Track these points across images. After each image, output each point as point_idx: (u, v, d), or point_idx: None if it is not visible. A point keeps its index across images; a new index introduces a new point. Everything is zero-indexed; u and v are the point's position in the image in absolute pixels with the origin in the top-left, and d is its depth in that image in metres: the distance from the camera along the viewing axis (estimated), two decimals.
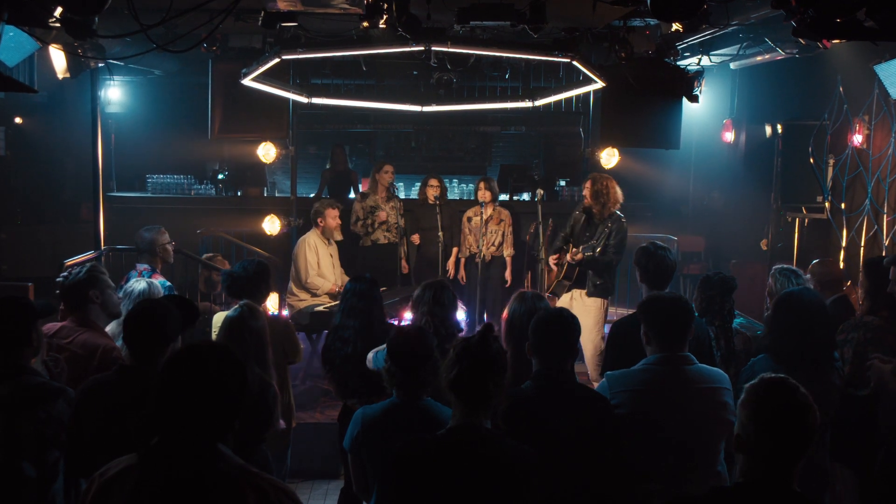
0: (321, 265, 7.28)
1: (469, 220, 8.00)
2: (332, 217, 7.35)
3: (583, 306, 6.44)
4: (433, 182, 8.06)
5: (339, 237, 7.49)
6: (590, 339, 6.39)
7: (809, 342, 3.72)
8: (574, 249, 6.41)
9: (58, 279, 4.09)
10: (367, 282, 4.55)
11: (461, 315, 8.04)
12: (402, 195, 9.26)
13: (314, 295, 7.27)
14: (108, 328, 4.24)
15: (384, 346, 3.48)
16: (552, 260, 6.75)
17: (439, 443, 2.65)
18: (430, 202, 7.89)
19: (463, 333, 5.13)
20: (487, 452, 2.61)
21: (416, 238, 8.03)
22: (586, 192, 6.61)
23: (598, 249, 6.30)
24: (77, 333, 3.87)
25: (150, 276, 5.38)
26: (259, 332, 3.84)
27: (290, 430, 4.74)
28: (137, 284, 4.53)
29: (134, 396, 2.63)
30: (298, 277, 7.29)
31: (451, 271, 7.97)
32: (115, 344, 4.17)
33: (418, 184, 8.53)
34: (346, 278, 7.40)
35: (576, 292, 6.59)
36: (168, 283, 5.49)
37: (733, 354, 4.44)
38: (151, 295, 4.51)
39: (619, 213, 6.54)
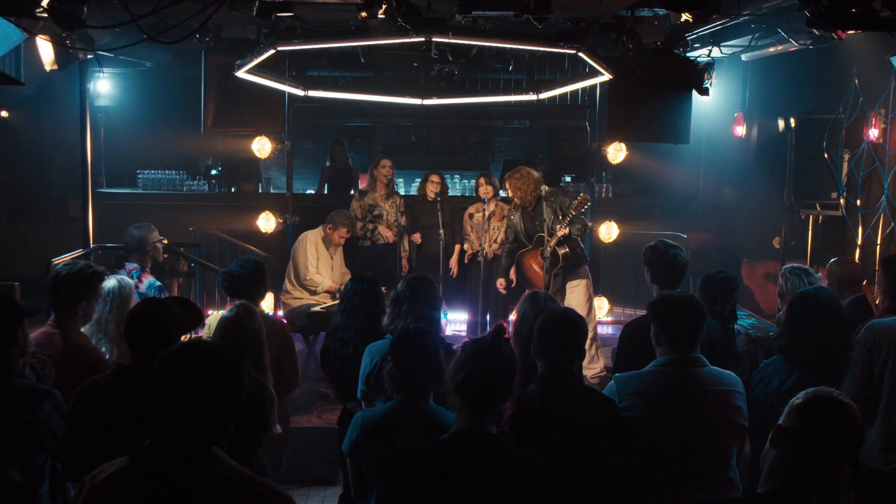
0: (319, 264, 7.31)
1: (471, 216, 8.00)
2: (341, 235, 7.48)
3: (569, 285, 6.95)
4: (434, 178, 8.06)
5: (335, 252, 7.55)
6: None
7: (825, 344, 3.73)
8: (559, 226, 6.79)
9: (59, 268, 4.05)
10: (368, 281, 4.55)
11: (461, 315, 8.11)
12: (401, 191, 9.26)
13: (312, 293, 7.28)
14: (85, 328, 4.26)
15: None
16: (536, 265, 7.06)
17: (442, 448, 2.63)
18: (431, 199, 7.90)
19: (456, 332, 5.17)
20: (492, 459, 2.59)
21: (417, 237, 8.04)
22: (509, 191, 7.14)
23: (572, 210, 6.80)
24: (60, 339, 3.87)
25: (139, 276, 5.39)
26: (255, 333, 3.84)
27: (287, 435, 4.73)
28: (108, 282, 4.52)
29: (131, 397, 2.64)
30: (297, 274, 7.30)
31: (454, 270, 7.97)
32: (97, 347, 4.18)
33: (419, 180, 8.53)
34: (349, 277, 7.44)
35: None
36: (158, 283, 5.50)
37: (735, 356, 4.44)
38: (122, 292, 4.54)
39: (545, 188, 7.07)
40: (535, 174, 7.12)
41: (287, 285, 7.39)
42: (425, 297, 4.08)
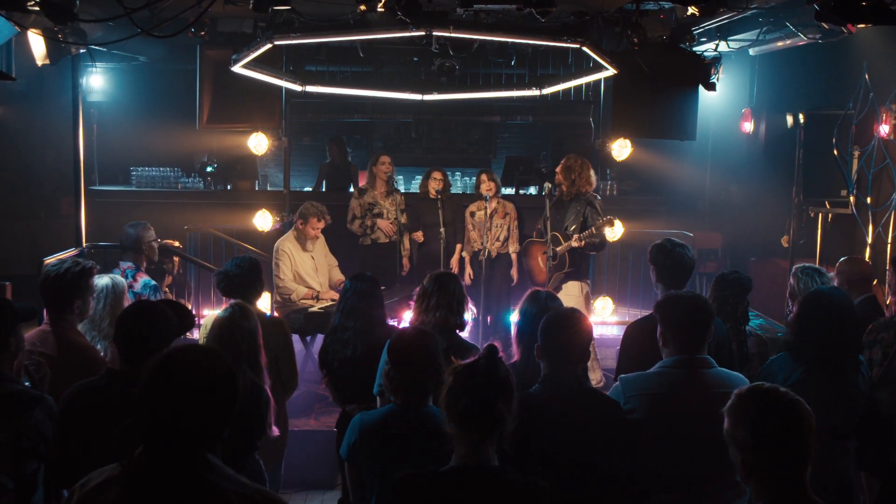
0: (300, 270, 7.15)
1: (472, 214, 7.99)
2: (314, 227, 7.18)
3: (566, 291, 6.89)
4: (436, 175, 8.04)
5: (311, 248, 7.31)
6: None
7: (835, 345, 3.71)
8: (577, 236, 6.80)
9: (48, 268, 4.06)
10: (367, 281, 4.53)
11: (467, 315, 8.09)
12: (401, 189, 9.25)
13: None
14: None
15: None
16: (541, 259, 7.04)
17: (443, 482, 2.57)
18: (433, 196, 7.88)
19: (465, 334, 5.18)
20: (495, 494, 2.54)
21: (419, 236, 8.01)
22: (558, 170, 7.12)
23: (593, 229, 6.76)
24: (56, 337, 3.86)
25: (133, 275, 5.39)
26: (251, 334, 3.83)
27: (286, 439, 4.73)
28: (99, 280, 4.52)
29: (122, 402, 2.64)
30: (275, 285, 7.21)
31: (455, 270, 7.95)
32: (94, 347, 4.18)
33: (419, 177, 8.52)
34: (337, 276, 7.34)
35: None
36: (153, 283, 5.50)
37: (746, 358, 4.43)
38: (115, 291, 4.55)
39: (591, 192, 7.02)
40: (593, 176, 7.14)
41: (276, 297, 7.30)
42: (451, 293, 4.11)
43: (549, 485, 2.60)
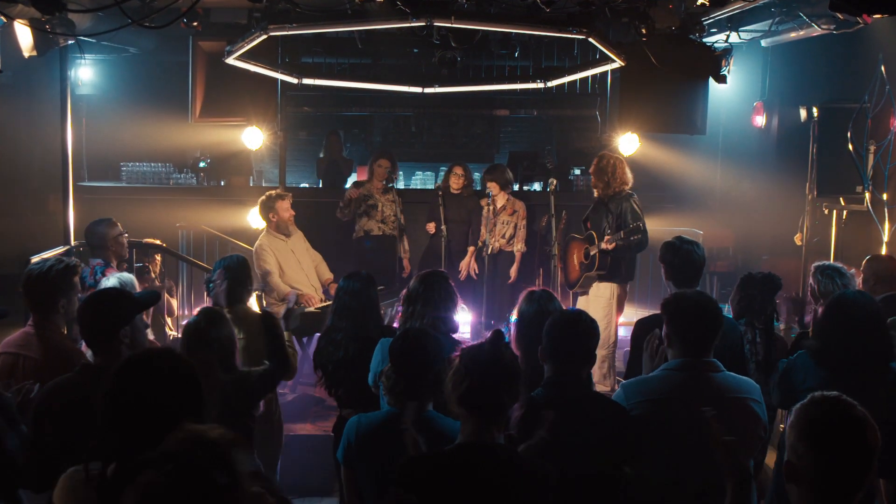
0: (285, 270, 6.96)
1: (481, 209, 7.99)
2: (284, 209, 6.95)
3: (596, 292, 6.78)
4: (457, 170, 8.03)
5: (293, 230, 7.10)
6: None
7: (861, 352, 3.69)
8: (607, 237, 6.55)
9: (31, 267, 4.04)
10: (361, 280, 4.50)
11: (465, 316, 8.09)
12: (401, 185, 9.23)
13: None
14: None
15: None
16: (577, 257, 6.88)
17: (447, 461, 2.61)
18: (455, 192, 7.94)
19: (460, 334, 5.20)
20: (501, 472, 2.58)
21: (431, 227, 7.96)
22: (591, 171, 6.89)
23: (622, 233, 6.44)
24: (40, 340, 3.85)
25: (103, 271, 5.37)
26: (221, 342, 3.70)
27: (281, 443, 4.73)
28: (107, 282, 4.54)
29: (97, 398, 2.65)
30: (267, 288, 7.04)
31: (463, 272, 7.91)
32: (79, 349, 4.17)
33: (419, 172, 8.52)
34: (325, 274, 7.25)
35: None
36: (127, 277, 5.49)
37: (772, 363, 4.35)
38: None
39: (627, 191, 6.73)
40: (629, 173, 6.78)
41: (269, 300, 7.19)
42: (440, 294, 4.07)
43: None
